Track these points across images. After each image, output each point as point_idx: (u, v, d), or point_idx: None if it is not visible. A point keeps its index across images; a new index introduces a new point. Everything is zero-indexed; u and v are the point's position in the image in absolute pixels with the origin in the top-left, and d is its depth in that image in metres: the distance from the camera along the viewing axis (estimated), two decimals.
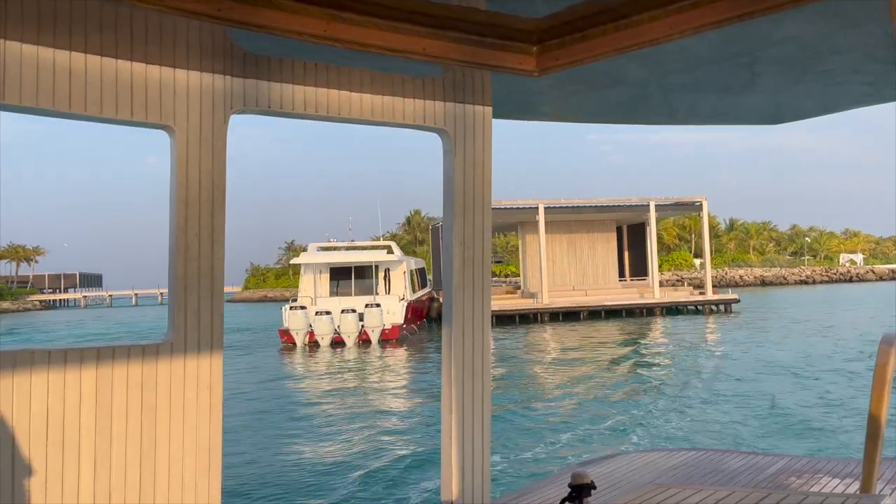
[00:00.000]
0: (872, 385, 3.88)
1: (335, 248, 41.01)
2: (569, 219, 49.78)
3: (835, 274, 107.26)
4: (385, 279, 38.14)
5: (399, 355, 30.72)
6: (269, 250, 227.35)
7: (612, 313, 45.68)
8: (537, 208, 46.58)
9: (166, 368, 3.86)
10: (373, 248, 42.04)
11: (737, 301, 49.03)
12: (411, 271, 39.97)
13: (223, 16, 3.20)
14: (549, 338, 35.92)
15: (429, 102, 4.61)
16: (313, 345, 34.07)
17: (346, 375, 25.24)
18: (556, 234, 49.44)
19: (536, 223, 47.37)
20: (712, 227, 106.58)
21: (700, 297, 49.62)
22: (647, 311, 46.32)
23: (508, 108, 5.02)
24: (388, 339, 34.29)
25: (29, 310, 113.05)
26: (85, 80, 3.53)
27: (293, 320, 34.09)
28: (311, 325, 34.06)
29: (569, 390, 19.83)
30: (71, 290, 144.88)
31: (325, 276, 38.16)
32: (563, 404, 17.77)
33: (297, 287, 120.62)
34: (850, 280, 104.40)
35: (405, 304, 36.51)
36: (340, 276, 38.17)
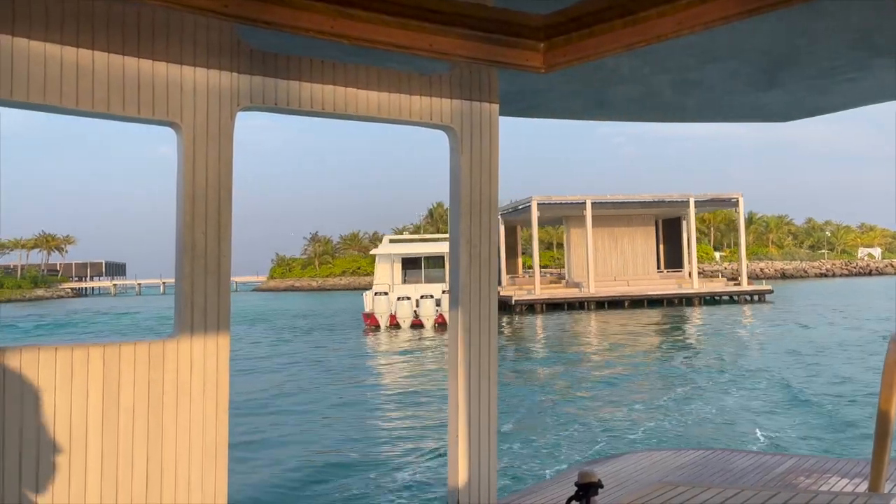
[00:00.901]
0: (881, 384, 3.91)
1: (406, 240, 44.71)
2: (611, 213, 53.17)
3: (854, 268, 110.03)
4: None
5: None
6: (292, 241, 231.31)
7: (654, 302, 49.13)
8: (584, 203, 50.02)
9: (173, 365, 3.86)
10: (437, 240, 45.58)
11: (770, 292, 52.42)
12: None
13: (230, 12, 3.23)
14: (615, 322, 39.40)
15: (435, 100, 4.60)
16: (394, 327, 37.76)
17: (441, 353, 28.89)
18: (599, 228, 52.77)
19: (581, 217, 50.87)
20: (732, 221, 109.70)
21: (735, 288, 53.01)
22: (686, 301, 49.76)
23: (515, 106, 5.03)
24: None
25: (62, 297, 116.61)
26: (92, 76, 3.56)
27: (378, 305, 37.90)
28: (392, 310, 37.75)
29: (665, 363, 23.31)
30: (96, 278, 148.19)
31: (398, 266, 41.74)
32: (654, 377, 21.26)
33: (323, 277, 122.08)
34: (870, 273, 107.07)
35: None
36: (410, 265, 41.75)
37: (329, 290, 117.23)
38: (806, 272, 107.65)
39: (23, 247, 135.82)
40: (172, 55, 3.74)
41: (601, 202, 51.13)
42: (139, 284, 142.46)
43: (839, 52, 4.02)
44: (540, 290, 49.79)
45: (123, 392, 3.70)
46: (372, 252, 45.58)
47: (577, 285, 51.97)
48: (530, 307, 48.08)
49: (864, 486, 5.38)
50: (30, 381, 3.46)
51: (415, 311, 37.79)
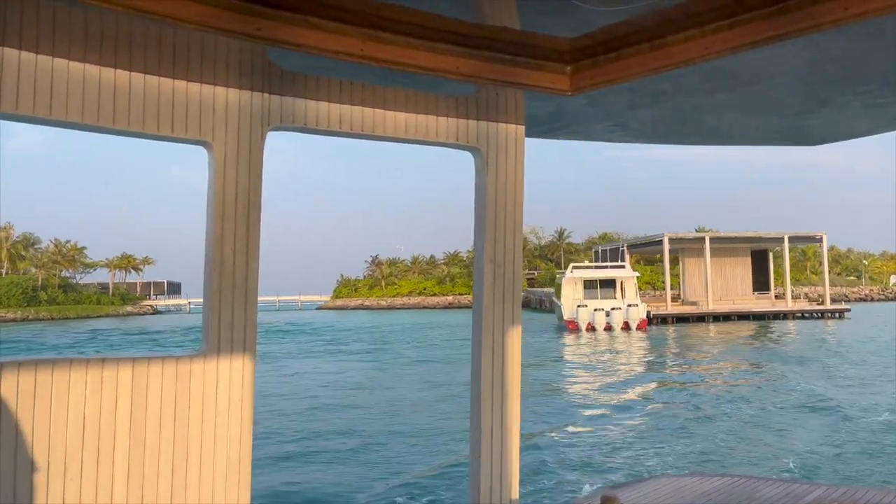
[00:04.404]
0: None
1: (584, 267, 59.06)
2: (716, 246, 67.22)
3: (890, 293, 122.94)
4: (621, 288, 55.59)
5: (647, 336, 48.12)
6: (354, 261, 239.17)
7: (756, 317, 62.62)
8: (703, 238, 64.26)
9: (199, 380, 3.94)
10: (612, 267, 59.46)
11: (849, 310, 66.12)
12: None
13: (262, 35, 3.36)
14: (745, 329, 52.89)
15: (462, 121, 4.68)
16: (590, 330, 51.40)
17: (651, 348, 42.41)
18: (705, 258, 66.78)
19: (694, 249, 65.28)
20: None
21: (820, 307, 66.82)
22: (782, 316, 63.33)
23: (541, 128, 5.11)
24: (641, 327, 51.96)
25: (144, 314, 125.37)
26: (129, 96, 3.68)
27: (581, 314, 51.70)
28: (590, 317, 51.59)
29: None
30: (158, 296, 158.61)
31: (580, 286, 55.58)
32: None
33: (392, 296, 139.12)
34: None
35: (646, 305, 54.19)
36: (589, 286, 55.69)
37: (399, 308, 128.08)
38: (847, 297, 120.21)
39: (115, 266, 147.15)
40: (206, 76, 3.90)
41: (713, 237, 65.19)
42: None
43: (871, 76, 4.11)
44: (670, 306, 63.69)
45: (151, 405, 3.85)
46: (560, 279, 59.72)
47: (693, 303, 65.69)
48: (663, 320, 61.63)
49: None
50: (61, 393, 3.60)
51: (607, 320, 51.65)
